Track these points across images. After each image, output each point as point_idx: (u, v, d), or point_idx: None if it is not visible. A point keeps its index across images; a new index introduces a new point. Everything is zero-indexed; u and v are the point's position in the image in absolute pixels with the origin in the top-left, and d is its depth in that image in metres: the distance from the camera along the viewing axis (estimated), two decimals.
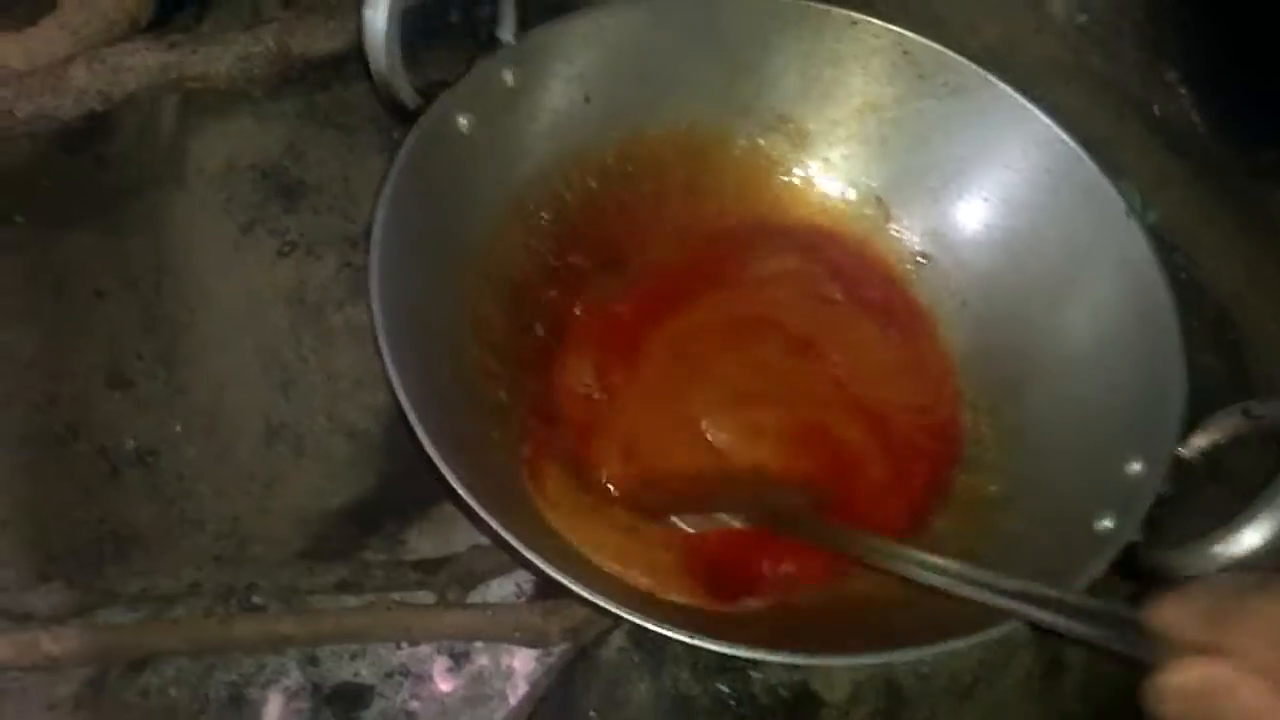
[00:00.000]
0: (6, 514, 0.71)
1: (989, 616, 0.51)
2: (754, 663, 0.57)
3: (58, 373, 0.74)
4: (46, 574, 0.71)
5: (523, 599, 0.78)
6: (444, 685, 0.76)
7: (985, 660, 0.62)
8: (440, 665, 0.76)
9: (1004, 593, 0.49)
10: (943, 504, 0.63)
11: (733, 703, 0.56)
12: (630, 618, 0.48)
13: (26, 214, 0.75)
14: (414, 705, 0.75)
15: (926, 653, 0.52)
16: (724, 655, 0.55)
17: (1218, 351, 0.73)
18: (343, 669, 0.75)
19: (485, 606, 0.75)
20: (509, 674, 0.76)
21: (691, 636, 0.48)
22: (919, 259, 0.71)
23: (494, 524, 0.49)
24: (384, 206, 0.56)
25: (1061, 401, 0.62)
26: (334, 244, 0.71)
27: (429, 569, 0.75)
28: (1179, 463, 0.56)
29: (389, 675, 0.75)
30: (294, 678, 0.74)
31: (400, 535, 0.78)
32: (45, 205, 0.75)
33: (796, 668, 0.57)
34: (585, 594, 0.48)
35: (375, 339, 0.54)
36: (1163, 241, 0.66)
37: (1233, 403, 0.56)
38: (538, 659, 0.75)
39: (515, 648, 0.76)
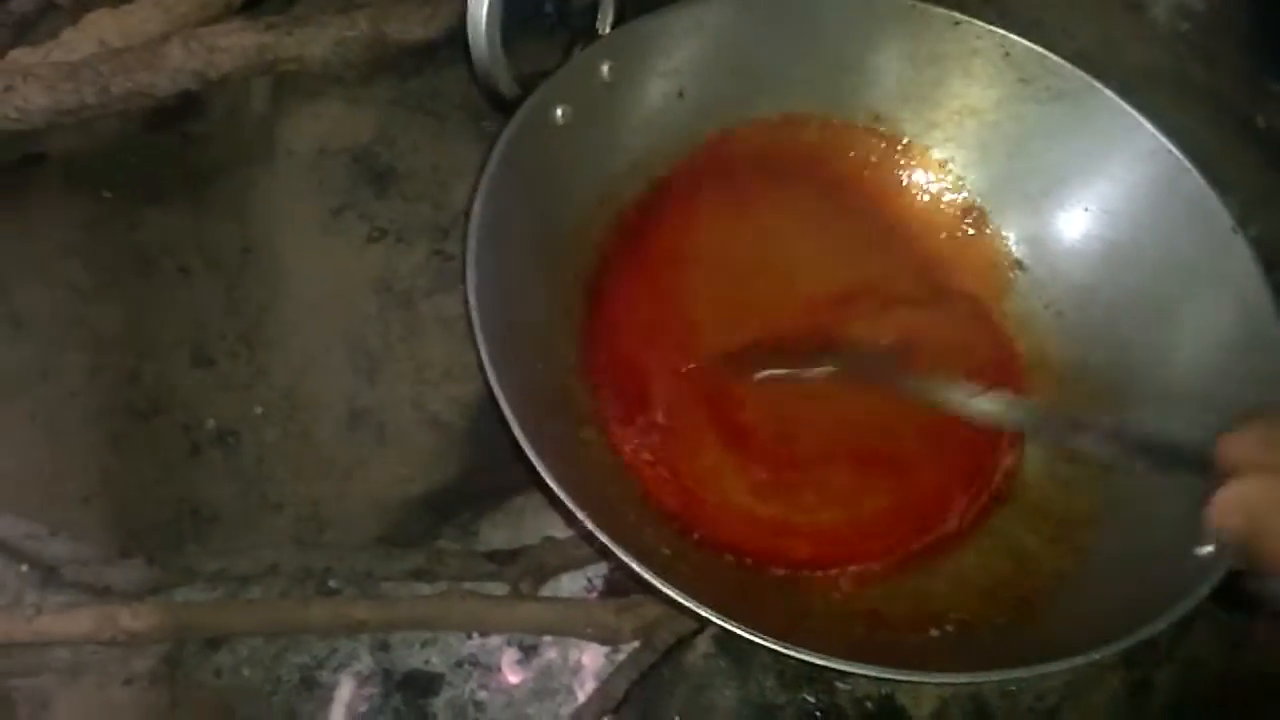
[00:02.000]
0: (90, 489, 0.72)
1: (1079, 645, 0.50)
2: (842, 674, 0.56)
3: (141, 349, 0.74)
4: (127, 550, 0.72)
5: (593, 593, 0.78)
6: (512, 677, 0.76)
7: (1073, 681, 0.61)
8: (509, 657, 0.76)
9: (1082, 428, 0.56)
10: (1017, 512, 0.63)
11: (818, 714, 0.56)
12: (717, 620, 0.48)
13: (114, 189, 0.76)
14: (482, 695, 0.75)
15: (1013, 676, 0.51)
16: (812, 665, 0.55)
17: None
18: (413, 656, 0.75)
19: (557, 600, 0.75)
20: (577, 669, 0.76)
21: (779, 644, 0.47)
22: (1015, 267, 0.70)
23: (585, 520, 0.49)
24: (482, 195, 0.56)
25: (1161, 420, 0.61)
26: (424, 232, 0.71)
27: (502, 560, 0.75)
28: None
29: (459, 664, 0.76)
30: (365, 663, 0.74)
31: (473, 526, 0.78)
32: (133, 181, 0.76)
33: (884, 682, 0.57)
34: (674, 594, 0.48)
35: (468, 329, 0.54)
36: (1262, 257, 0.64)
37: None
38: (607, 655, 0.75)
39: (584, 643, 0.76)
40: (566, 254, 0.63)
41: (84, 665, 0.70)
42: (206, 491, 0.73)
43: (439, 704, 0.74)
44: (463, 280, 0.54)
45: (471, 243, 0.55)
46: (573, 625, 0.73)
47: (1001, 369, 0.68)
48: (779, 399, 0.64)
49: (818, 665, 0.48)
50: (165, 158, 0.77)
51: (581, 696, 0.74)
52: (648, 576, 0.48)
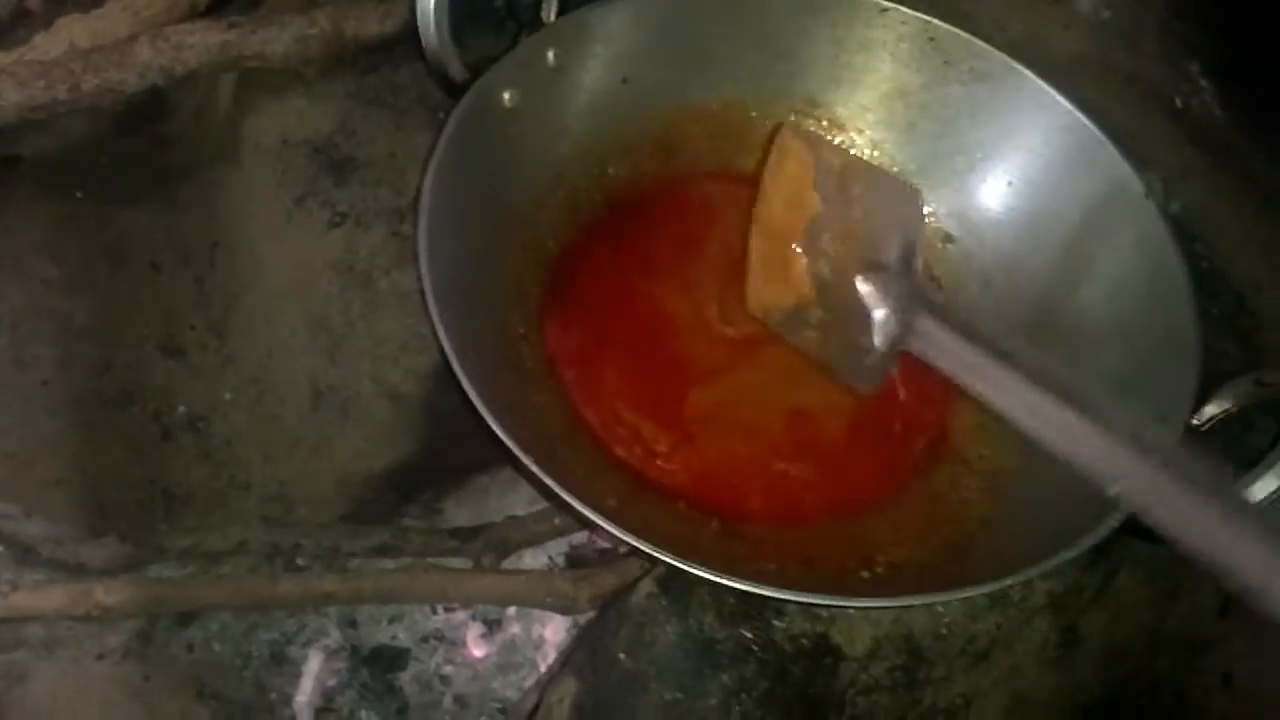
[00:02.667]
0: (62, 473, 0.74)
1: (998, 569, 0.53)
2: (778, 612, 0.59)
3: (113, 341, 0.76)
4: (99, 530, 0.74)
5: (555, 569, 0.80)
6: (477, 651, 0.78)
7: (1003, 625, 0.64)
8: (474, 632, 0.78)
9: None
10: (948, 467, 0.66)
11: (755, 648, 0.58)
12: (658, 554, 0.50)
13: (86, 190, 0.78)
14: (448, 669, 0.77)
15: (936, 599, 0.54)
16: (748, 602, 0.57)
17: (1234, 337, 0.75)
18: (380, 632, 0.77)
19: (519, 572, 0.77)
20: (540, 643, 0.78)
21: (719, 575, 0.50)
22: (945, 240, 0.73)
23: (536, 470, 0.51)
24: (432, 172, 0.58)
25: (1079, 375, 0.64)
26: (382, 215, 0.74)
27: (465, 536, 0.77)
28: (1192, 430, 0.57)
29: (424, 640, 0.77)
30: (333, 638, 0.76)
31: (437, 504, 0.80)
32: (104, 182, 0.78)
33: (819, 620, 0.59)
34: (625, 536, 0.50)
35: (423, 302, 0.56)
36: (1183, 231, 0.68)
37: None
38: (568, 630, 0.77)
39: (547, 618, 0.78)
40: (518, 230, 0.66)
41: (59, 640, 0.72)
42: (177, 474, 0.76)
43: (405, 678, 0.76)
44: (415, 253, 0.57)
45: (423, 215, 0.57)
46: (533, 596, 0.75)
47: None
48: (725, 364, 0.68)
49: (755, 595, 0.50)
50: (135, 158, 0.79)
51: (544, 669, 0.77)
52: (590, 514, 0.51)
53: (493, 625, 0.78)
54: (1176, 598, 0.71)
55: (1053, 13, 0.84)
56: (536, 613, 0.78)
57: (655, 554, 0.50)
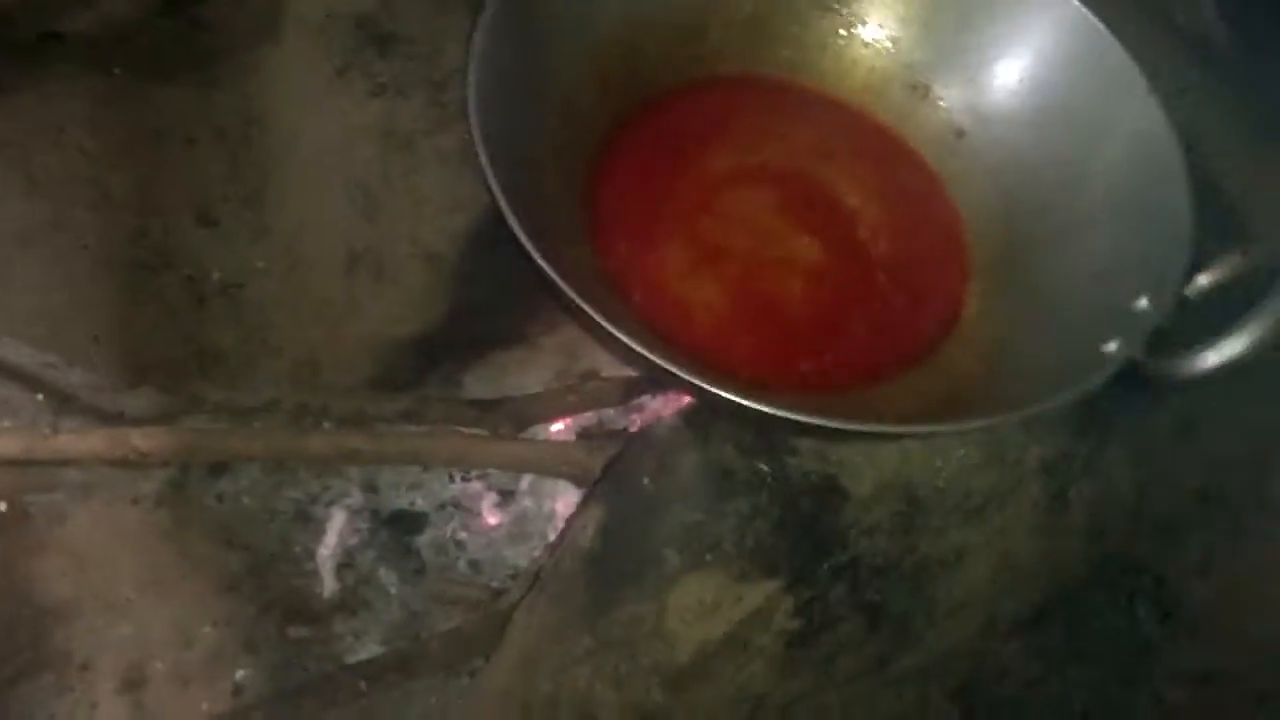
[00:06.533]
0: (101, 329, 0.77)
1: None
2: (791, 450, 0.63)
3: (148, 210, 0.79)
4: (137, 383, 0.77)
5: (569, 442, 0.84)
6: (491, 519, 0.81)
7: (996, 485, 0.67)
8: (489, 501, 0.81)
9: None
10: (955, 345, 0.70)
11: (769, 480, 0.62)
12: (696, 380, 0.54)
13: (124, 67, 0.81)
14: (462, 535, 0.80)
15: (939, 430, 0.60)
16: (763, 439, 0.61)
17: (1225, 241, 0.79)
18: (400, 498, 0.80)
19: (536, 441, 0.81)
20: (551, 515, 0.82)
21: (747, 399, 0.53)
22: (957, 135, 0.77)
23: (582, 304, 0.54)
24: (481, 31, 0.62)
25: (1078, 253, 0.68)
26: (423, 85, 0.77)
27: (484, 408, 0.81)
28: (1182, 300, 0.62)
29: (441, 506, 0.81)
30: (355, 500, 0.80)
31: (457, 377, 0.83)
32: (142, 61, 0.81)
33: (828, 461, 0.63)
34: (660, 361, 0.54)
35: (464, 163, 0.59)
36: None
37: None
38: (578, 504, 0.81)
39: (559, 492, 0.81)
40: (558, 102, 0.69)
41: (95, 485, 0.75)
42: (211, 336, 0.79)
43: (423, 541, 0.79)
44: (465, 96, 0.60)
45: (473, 72, 0.60)
46: (549, 464, 0.79)
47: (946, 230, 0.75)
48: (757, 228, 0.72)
49: (770, 431, 0.54)
50: (174, 40, 0.82)
51: (553, 539, 0.80)
52: (636, 346, 0.54)
53: (507, 496, 0.81)
54: (1159, 482, 0.75)
55: None
56: (548, 486, 0.81)
57: (686, 377, 0.54)
